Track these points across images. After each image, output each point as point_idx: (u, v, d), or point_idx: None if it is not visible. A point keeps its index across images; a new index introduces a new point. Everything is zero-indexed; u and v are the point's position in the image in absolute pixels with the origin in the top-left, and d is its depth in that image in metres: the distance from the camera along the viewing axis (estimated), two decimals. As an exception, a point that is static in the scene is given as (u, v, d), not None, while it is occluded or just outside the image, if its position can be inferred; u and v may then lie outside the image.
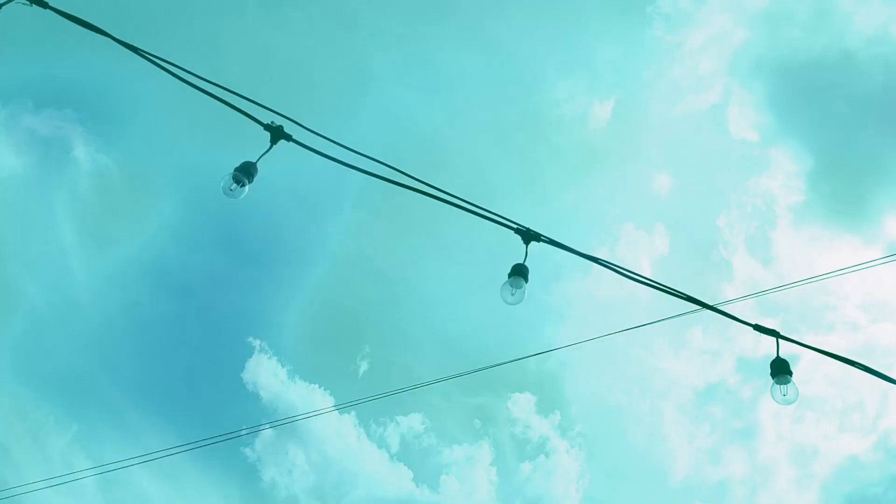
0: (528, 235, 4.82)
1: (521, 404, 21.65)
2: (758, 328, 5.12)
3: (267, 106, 4.50)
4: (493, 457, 20.63)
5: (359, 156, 4.66)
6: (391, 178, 4.75)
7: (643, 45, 21.60)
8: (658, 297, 4.92)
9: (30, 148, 17.49)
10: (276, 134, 4.51)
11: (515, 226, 4.85)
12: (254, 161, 4.39)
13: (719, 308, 5.33)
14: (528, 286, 4.53)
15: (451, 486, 20.29)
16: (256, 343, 19.25)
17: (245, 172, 4.31)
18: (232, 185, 4.23)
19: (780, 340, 5.12)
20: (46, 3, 4.37)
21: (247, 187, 4.28)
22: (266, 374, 19.27)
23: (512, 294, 4.45)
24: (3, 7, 4.13)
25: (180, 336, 19.75)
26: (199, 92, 4.52)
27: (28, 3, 4.36)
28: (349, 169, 4.61)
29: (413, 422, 20.34)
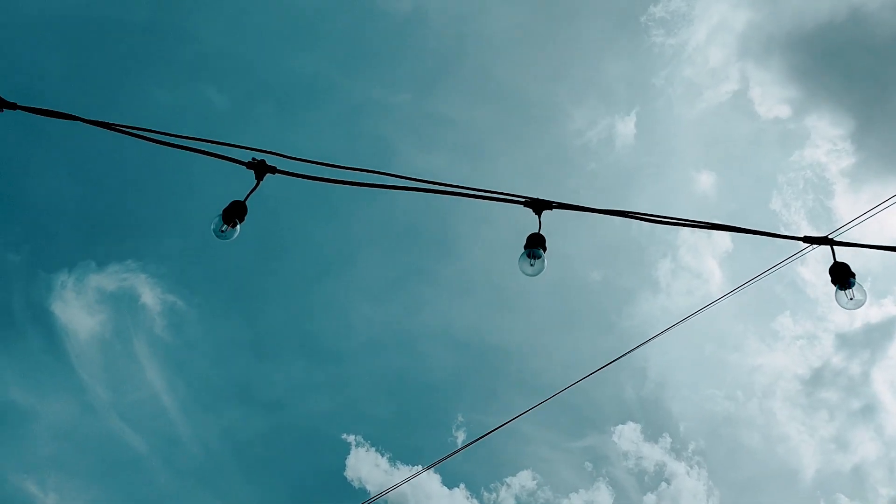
0: (539, 204, 4.64)
1: (627, 435, 20.87)
2: (807, 239, 4.79)
3: (242, 145, 4.47)
4: (614, 496, 19.81)
5: (351, 171, 4.59)
6: (390, 184, 4.64)
7: (648, 54, 21.54)
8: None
9: (102, 306, 18.18)
10: (260, 169, 4.47)
11: (523, 199, 4.68)
12: (241, 200, 4.33)
13: (764, 231, 5.03)
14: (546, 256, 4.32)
15: (580, 537, 19.46)
16: (351, 438, 19.11)
17: (234, 213, 4.26)
18: (222, 226, 4.17)
19: (835, 247, 4.77)
20: (15, 105, 4.47)
21: (238, 227, 4.21)
22: (368, 466, 19.06)
23: (531, 265, 4.25)
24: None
25: (279, 449, 19.77)
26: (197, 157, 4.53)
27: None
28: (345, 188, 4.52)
29: (524, 480, 19.74)
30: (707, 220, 4.95)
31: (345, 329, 20.96)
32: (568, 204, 4.70)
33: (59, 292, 17.98)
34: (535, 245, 4.31)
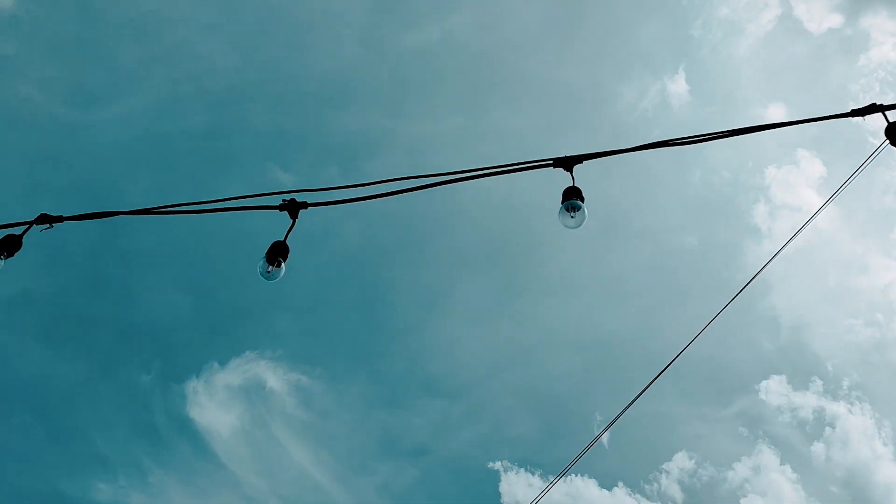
0: (568, 161, 4.57)
1: (775, 389, 19.96)
2: (855, 112, 4.53)
3: (271, 192, 4.61)
4: (780, 455, 18.90)
5: (377, 184, 4.66)
6: (420, 185, 4.67)
7: (678, 8, 21.03)
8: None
9: (235, 400, 18.97)
10: (293, 208, 4.59)
11: (551, 160, 4.62)
12: (282, 240, 4.46)
13: (813, 118, 4.79)
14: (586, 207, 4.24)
15: (755, 504, 18.61)
16: (498, 465, 19.04)
17: (277, 253, 4.38)
18: (268, 267, 4.30)
19: (886, 112, 4.49)
20: (62, 217, 4.76)
21: (283, 266, 4.34)
22: (522, 488, 18.90)
23: (572, 217, 4.17)
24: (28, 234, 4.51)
25: (435, 492, 19.93)
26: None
27: (48, 226, 4.76)
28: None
29: (681, 462, 19.11)
30: (754, 125, 4.77)
31: (463, 359, 21.04)
32: (596, 153, 4.61)
33: (194, 398, 18.86)
34: (572, 197, 4.24)
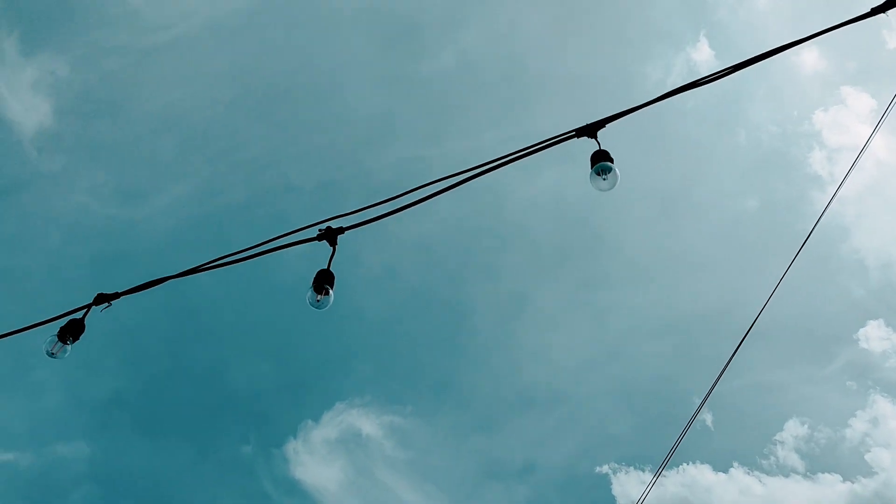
0: (591, 129, 4.49)
1: (875, 334, 19.12)
2: (876, 10, 4.33)
3: (302, 227, 4.65)
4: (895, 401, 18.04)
5: (406, 194, 4.65)
6: (450, 185, 4.65)
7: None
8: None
9: (335, 453, 19.16)
10: (331, 236, 4.61)
11: (573, 132, 4.55)
12: (326, 268, 4.48)
13: (834, 26, 4.60)
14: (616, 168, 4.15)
15: (882, 457, 17.74)
16: (605, 468, 18.66)
17: (323, 281, 4.41)
18: (317, 297, 4.32)
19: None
20: (118, 293, 4.88)
21: (331, 294, 4.36)
22: (635, 487, 18.45)
23: (604, 179, 4.08)
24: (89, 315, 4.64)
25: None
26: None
27: (107, 304, 4.88)
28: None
29: (793, 430, 18.40)
30: (772, 48, 4.62)
31: (550, 366, 20.78)
32: (617, 113, 4.52)
33: (296, 459, 19.09)
34: (601, 160, 4.16)
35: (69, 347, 4.49)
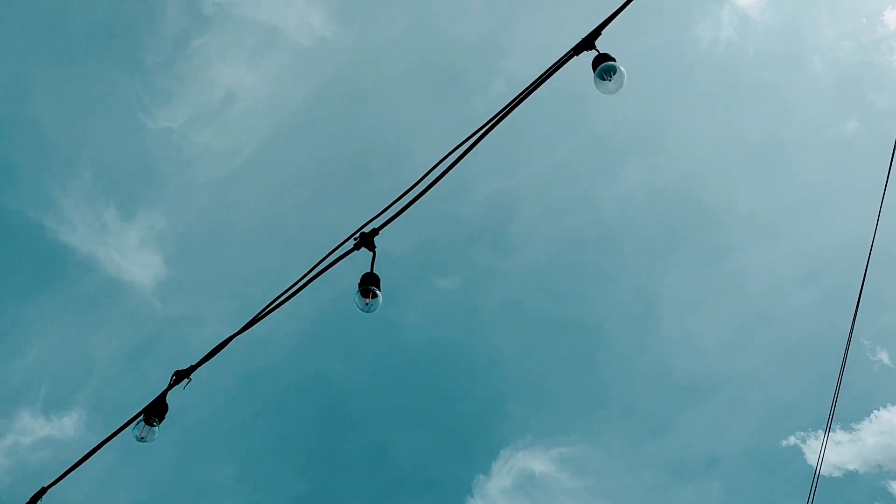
0: (588, 40, 4.20)
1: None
2: None
3: (338, 244, 4.54)
4: None
5: (429, 176, 4.48)
6: (469, 147, 4.45)
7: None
8: None
9: (517, 499, 18.80)
10: (368, 241, 4.47)
11: (571, 50, 4.26)
12: (369, 271, 4.33)
13: None
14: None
15: None
16: (792, 440, 17.33)
17: (368, 283, 4.25)
18: (365, 300, 4.16)
19: None
20: (192, 367, 4.89)
21: (379, 297, 4.21)
22: (832, 452, 17.02)
23: (611, 82, 3.78)
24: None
25: (750, 499, 18.35)
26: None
27: (188, 380, 4.89)
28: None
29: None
30: None
31: (698, 352, 19.68)
32: (610, 16, 4.21)
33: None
34: (603, 62, 3.88)
35: (156, 430, 4.49)
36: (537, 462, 18.85)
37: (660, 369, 19.73)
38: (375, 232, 4.52)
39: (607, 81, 3.76)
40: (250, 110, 19.37)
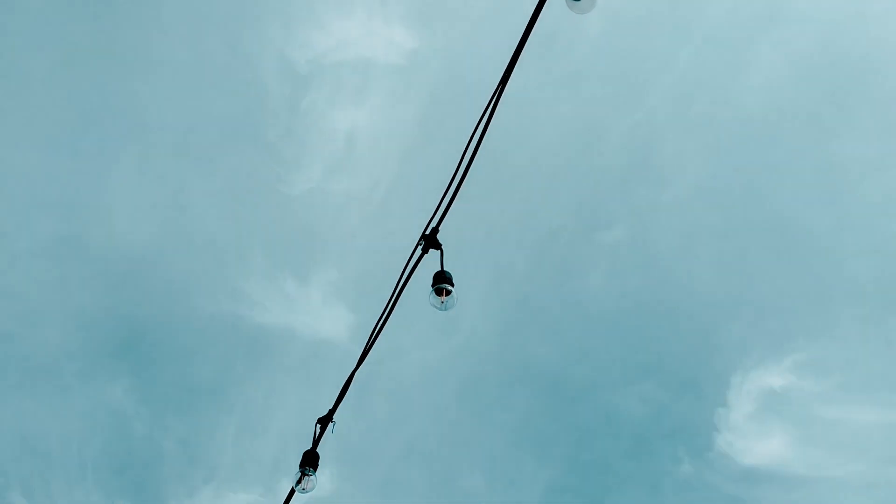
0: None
1: None
2: None
3: (411, 254, 4.58)
4: None
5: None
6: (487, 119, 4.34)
7: None
8: None
9: (765, 423, 17.94)
10: (430, 241, 4.49)
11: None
12: (440, 270, 4.33)
13: None
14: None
15: None
16: None
17: (441, 281, 4.25)
18: (441, 299, 4.16)
19: None
20: (331, 411, 5.12)
21: (454, 292, 4.21)
22: None
23: (578, 1, 3.51)
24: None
25: None
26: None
27: (333, 423, 5.13)
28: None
29: None
30: None
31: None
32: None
33: (735, 450, 17.83)
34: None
35: (315, 478, 4.74)
36: (773, 377, 17.74)
37: (875, 236, 17.86)
38: (436, 230, 4.52)
39: (576, 1, 3.51)
40: (374, 141, 20.06)
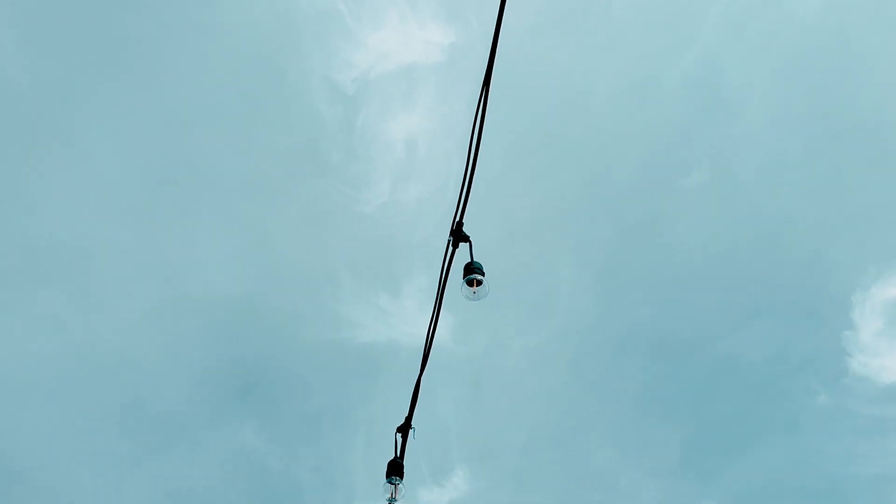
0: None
1: None
2: None
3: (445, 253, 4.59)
4: None
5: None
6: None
7: None
8: None
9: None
10: (457, 236, 4.48)
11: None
12: (470, 261, 4.32)
13: None
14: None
15: None
16: None
17: (471, 273, 4.24)
18: (473, 290, 4.14)
19: None
20: (408, 419, 5.18)
21: (485, 282, 4.21)
22: None
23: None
24: None
25: None
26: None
27: (412, 428, 5.20)
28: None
29: None
30: None
31: None
32: None
33: (868, 371, 17.06)
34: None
35: (402, 486, 4.82)
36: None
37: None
38: (461, 224, 4.51)
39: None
40: (433, 143, 20.18)
